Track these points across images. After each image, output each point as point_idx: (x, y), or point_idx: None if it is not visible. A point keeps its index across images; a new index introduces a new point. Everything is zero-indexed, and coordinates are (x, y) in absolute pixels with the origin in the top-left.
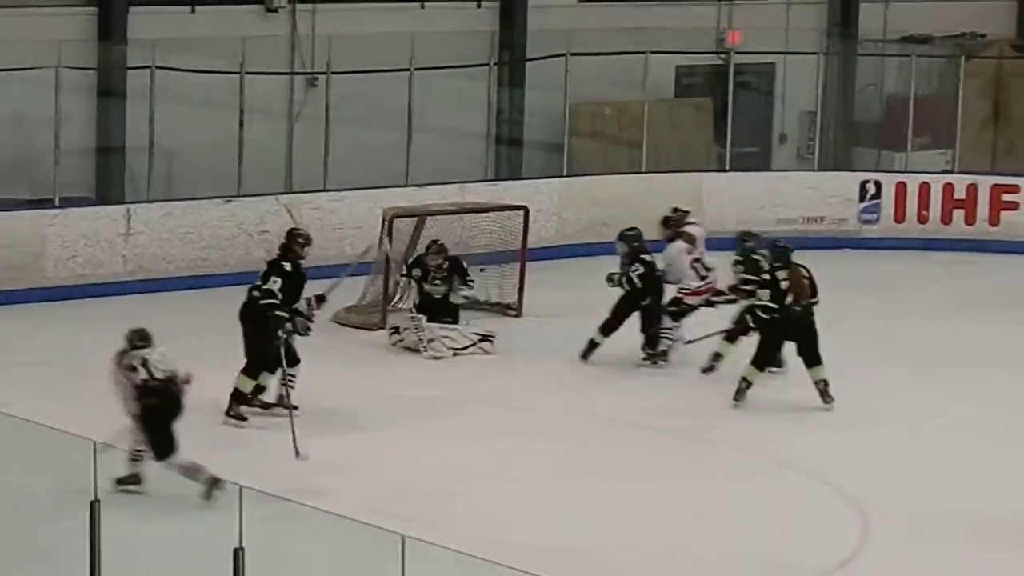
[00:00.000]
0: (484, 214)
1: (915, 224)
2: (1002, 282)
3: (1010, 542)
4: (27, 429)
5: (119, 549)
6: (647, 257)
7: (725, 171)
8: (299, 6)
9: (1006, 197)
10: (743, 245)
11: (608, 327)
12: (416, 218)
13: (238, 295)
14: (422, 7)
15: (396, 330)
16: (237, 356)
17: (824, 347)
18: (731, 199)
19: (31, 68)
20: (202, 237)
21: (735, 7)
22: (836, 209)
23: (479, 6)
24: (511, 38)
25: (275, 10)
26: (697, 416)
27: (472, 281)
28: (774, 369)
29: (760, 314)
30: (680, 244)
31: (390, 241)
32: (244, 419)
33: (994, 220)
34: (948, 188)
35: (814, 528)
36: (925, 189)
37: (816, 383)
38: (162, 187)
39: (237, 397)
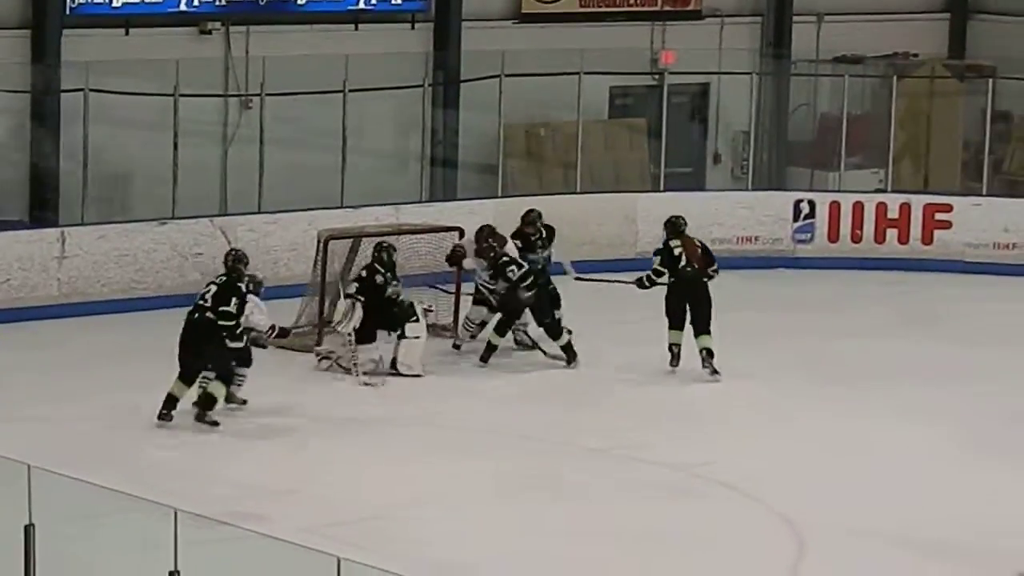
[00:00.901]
0: (419, 235)
1: (849, 243)
2: (935, 300)
3: (949, 560)
4: None
5: (53, 573)
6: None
7: (660, 191)
8: (233, 28)
9: (939, 216)
10: None
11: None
12: (351, 239)
13: (173, 317)
14: (356, 28)
15: (327, 356)
16: (168, 379)
17: (759, 365)
18: (664, 219)
19: None
20: (137, 260)
21: (668, 27)
22: (770, 229)
23: (413, 27)
24: (445, 59)
25: (209, 32)
26: (631, 434)
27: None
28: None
29: (653, 278)
30: None
31: (325, 264)
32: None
33: (927, 239)
34: (881, 207)
35: (749, 548)
36: (859, 208)
37: (700, 351)
38: (96, 210)
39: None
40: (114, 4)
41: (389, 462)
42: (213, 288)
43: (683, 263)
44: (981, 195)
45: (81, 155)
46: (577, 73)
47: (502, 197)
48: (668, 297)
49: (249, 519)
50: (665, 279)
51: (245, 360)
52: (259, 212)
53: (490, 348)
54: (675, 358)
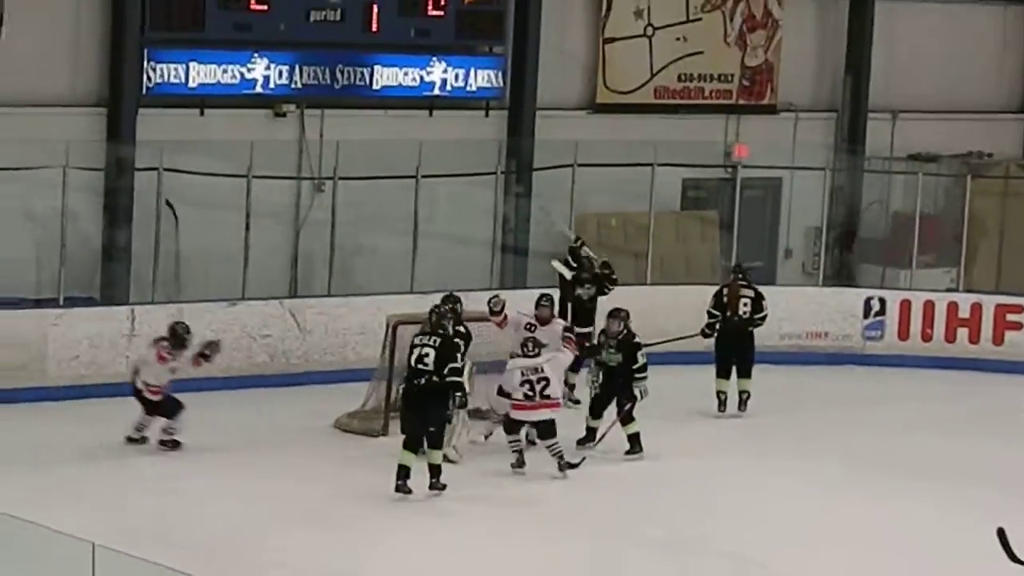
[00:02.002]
0: (488, 322)
1: (919, 342)
2: (1005, 402)
3: None
4: (27, 529)
5: None
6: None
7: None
8: (307, 111)
9: (1010, 317)
10: None
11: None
12: (420, 325)
13: (239, 398)
14: (430, 115)
15: None
16: (233, 459)
17: (827, 464)
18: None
19: (40, 167)
20: (205, 340)
21: (743, 120)
22: (840, 325)
23: (487, 115)
24: (518, 147)
25: (283, 114)
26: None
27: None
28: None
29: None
30: None
31: (394, 349)
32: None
33: (998, 340)
34: (952, 307)
35: None
36: (930, 307)
37: (740, 392)
38: (167, 289)
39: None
40: (190, 84)
41: (445, 548)
42: (429, 351)
43: (728, 312)
44: None
45: (153, 234)
46: (650, 164)
47: None
48: (715, 344)
49: None
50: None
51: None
52: (329, 295)
53: (635, 439)
54: (721, 404)
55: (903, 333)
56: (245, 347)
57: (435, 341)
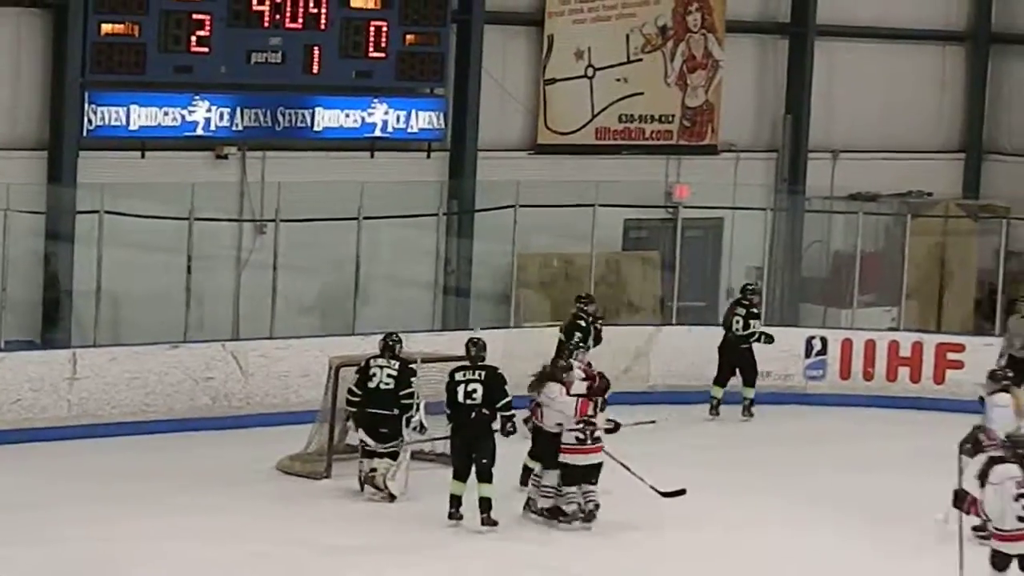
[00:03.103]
0: (430, 364)
1: (861, 381)
2: (946, 441)
3: None
4: None
5: None
6: None
7: (673, 324)
8: (249, 153)
9: (951, 356)
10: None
11: None
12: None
13: (183, 442)
14: (372, 156)
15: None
16: (176, 502)
17: (768, 503)
18: (678, 352)
19: None
20: (147, 383)
21: (683, 161)
22: (782, 364)
23: (429, 156)
24: (460, 188)
25: (225, 156)
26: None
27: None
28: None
29: None
30: None
31: (336, 391)
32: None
33: (939, 378)
34: (894, 346)
35: None
36: (871, 346)
37: (743, 399)
38: (108, 332)
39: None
40: (131, 127)
41: None
42: (476, 386)
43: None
44: (994, 335)
45: (94, 277)
46: (592, 205)
47: (514, 327)
48: (718, 354)
49: None
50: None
51: None
52: (271, 337)
53: None
54: (713, 408)
55: (844, 372)
56: (187, 390)
57: (480, 375)
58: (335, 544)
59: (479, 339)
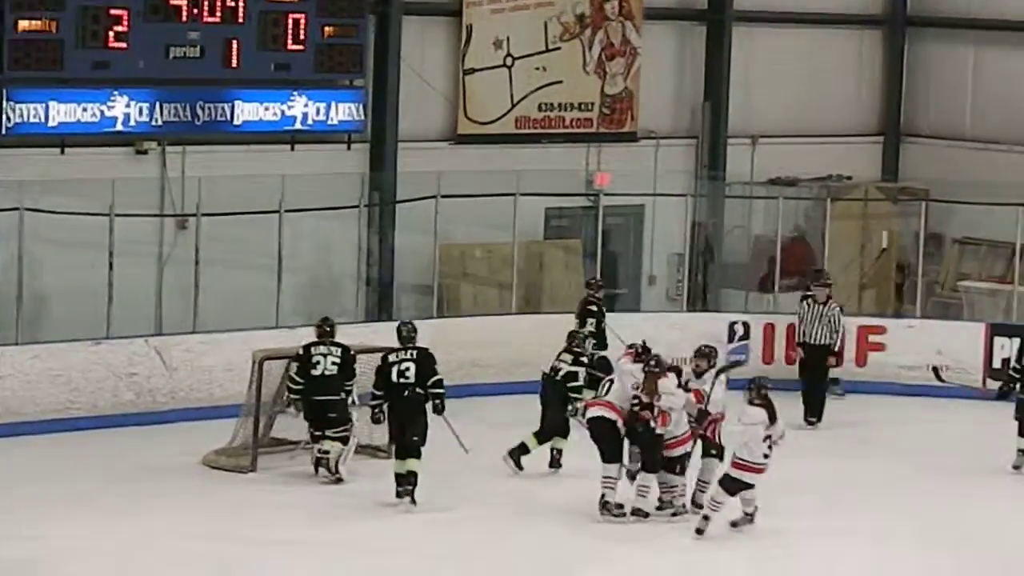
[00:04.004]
0: (369, 355)
1: (783, 365)
2: (868, 423)
3: None
4: None
5: None
6: None
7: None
8: (169, 148)
9: (873, 338)
10: None
11: None
12: (286, 360)
13: (107, 438)
14: (292, 149)
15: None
16: (103, 500)
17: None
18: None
19: None
20: (71, 380)
21: (604, 149)
22: None
23: (349, 148)
24: (381, 180)
25: (145, 152)
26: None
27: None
28: None
29: None
30: None
31: (261, 384)
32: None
33: (861, 360)
34: None
35: None
36: (793, 330)
37: None
38: (30, 329)
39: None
40: (50, 124)
41: None
42: (409, 365)
43: None
44: (915, 317)
45: (15, 274)
46: (513, 194)
47: (438, 317)
48: None
49: None
50: None
51: None
52: (194, 332)
53: None
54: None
55: (767, 356)
56: (111, 386)
57: (412, 355)
58: (265, 537)
59: (410, 322)
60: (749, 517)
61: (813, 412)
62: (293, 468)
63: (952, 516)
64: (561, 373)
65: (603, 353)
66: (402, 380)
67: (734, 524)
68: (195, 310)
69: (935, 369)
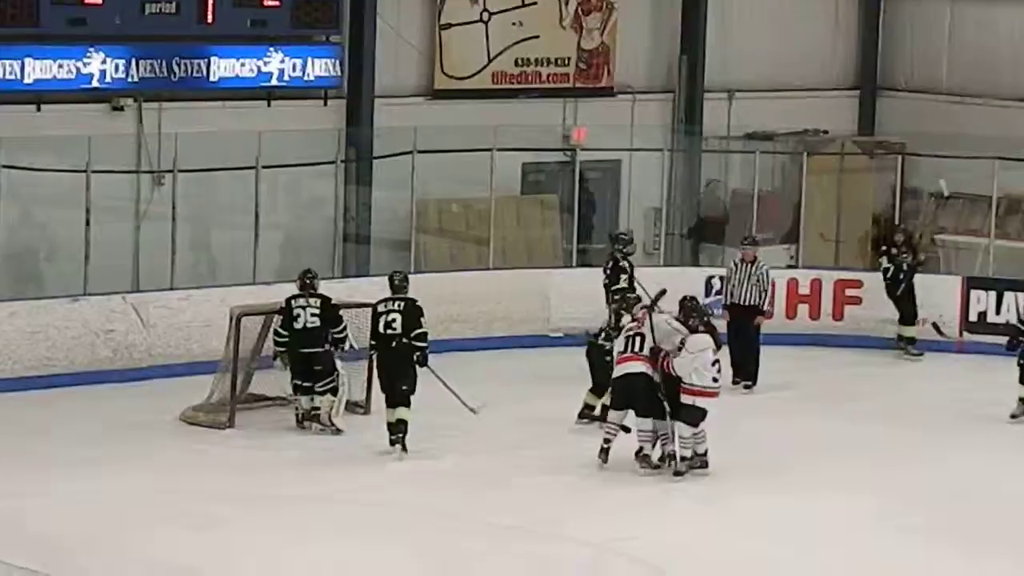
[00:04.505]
0: (356, 309)
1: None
2: (845, 376)
3: None
4: None
5: None
6: None
7: (572, 267)
8: (145, 104)
9: (849, 292)
10: None
11: None
12: (264, 316)
13: (85, 395)
14: (268, 105)
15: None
16: (82, 456)
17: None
18: (578, 295)
19: None
20: (48, 337)
21: (580, 104)
22: None
23: (325, 103)
24: (358, 136)
25: (121, 108)
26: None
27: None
28: None
29: None
30: None
31: (238, 340)
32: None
33: (838, 314)
34: (792, 283)
35: None
36: (773, 285)
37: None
38: (7, 286)
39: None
40: (26, 80)
41: (299, 543)
42: (395, 316)
43: None
44: None
45: None
46: (490, 149)
47: (415, 273)
48: None
49: None
50: None
51: None
52: (172, 288)
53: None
54: None
55: None
56: (88, 343)
57: (399, 306)
58: (246, 493)
59: (401, 271)
60: (701, 458)
61: (747, 375)
62: (271, 424)
63: (936, 468)
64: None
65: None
66: (389, 331)
67: (678, 473)
68: (172, 267)
69: (935, 325)
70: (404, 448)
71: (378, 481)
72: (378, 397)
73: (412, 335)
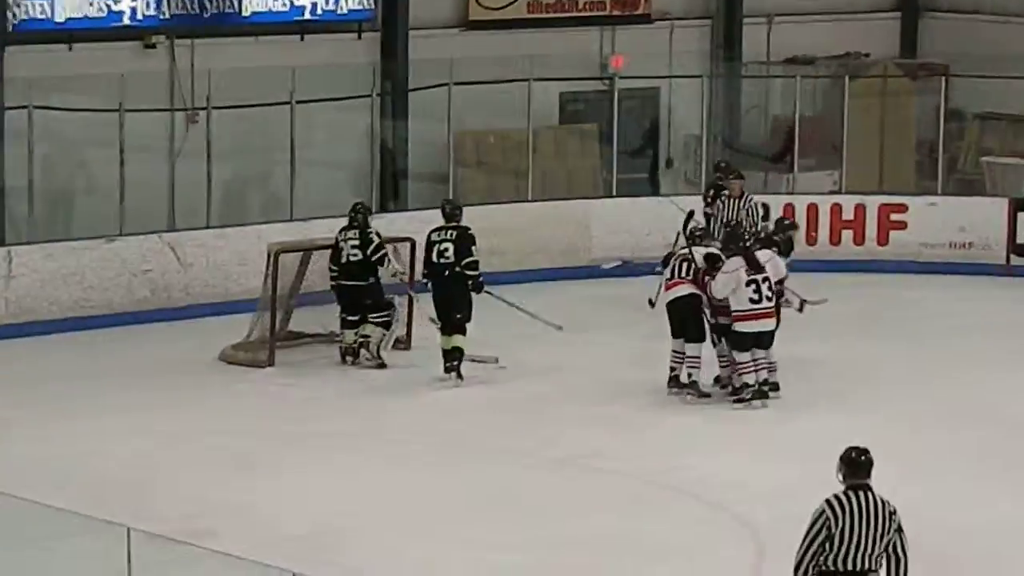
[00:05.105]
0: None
1: (804, 246)
2: (891, 302)
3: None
4: None
5: None
6: None
7: (612, 197)
8: (177, 41)
9: (894, 216)
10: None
11: None
12: (301, 253)
13: (123, 336)
14: (302, 39)
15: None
16: (122, 398)
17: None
18: (619, 225)
19: None
20: (85, 278)
21: (618, 32)
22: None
23: (359, 37)
24: (392, 69)
25: (153, 46)
26: (591, 445)
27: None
28: None
29: None
30: None
31: (276, 278)
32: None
33: (883, 240)
34: (836, 209)
35: (710, 557)
36: (813, 210)
37: None
38: (43, 228)
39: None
40: (57, 19)
41: (347, 478)
42: (448, 245)
43: None
44: (936, 194)
45: (26, 173)
46: (526, 80)
47: None
48: None
49: (202, 536)
50: None
51: None
52: (207, 227)
53: None
54: None
55: None
56: (125, 283)
57: (451, 235)
58: (288, 431)
59: (453, 200)
60: (763, 387)
61: None
62: (312, 361)
63: (978, 395)
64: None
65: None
66: (442, 260)
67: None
68: (208, 205)
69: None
70: (459, 376)
71: (425, 415)
72: (419, 331)
73: (463, 263)
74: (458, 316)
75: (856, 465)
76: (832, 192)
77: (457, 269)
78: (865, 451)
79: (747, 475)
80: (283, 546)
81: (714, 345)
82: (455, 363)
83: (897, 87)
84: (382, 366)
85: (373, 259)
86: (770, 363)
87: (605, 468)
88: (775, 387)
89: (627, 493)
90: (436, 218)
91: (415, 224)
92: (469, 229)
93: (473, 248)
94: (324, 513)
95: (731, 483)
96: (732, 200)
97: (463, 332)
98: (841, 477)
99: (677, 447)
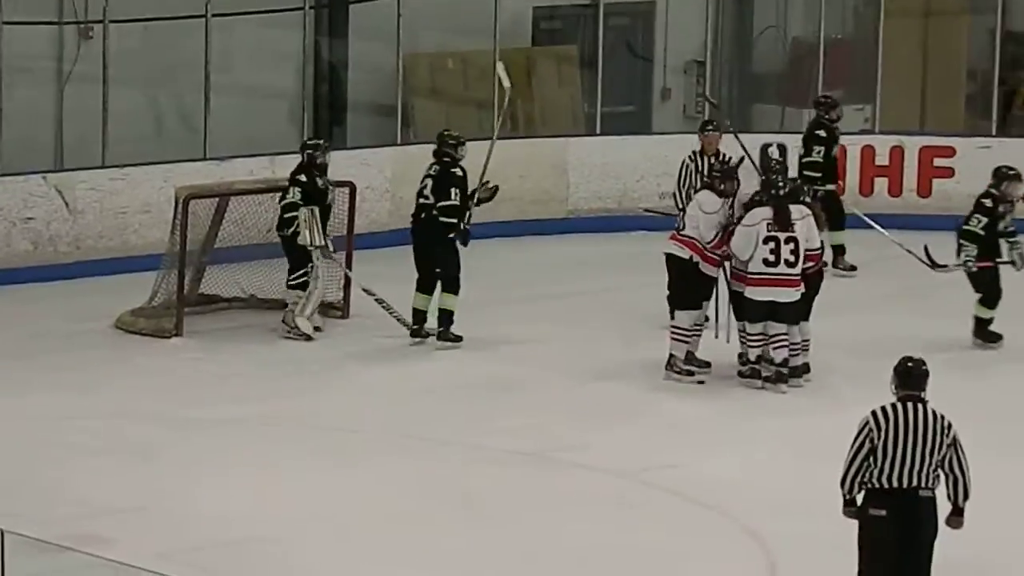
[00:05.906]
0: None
1: None
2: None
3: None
4: None
5: None
6: None
7: (595, 135)
8: None
9: (939, 162)
10: None
11: None
12: (217, 199)
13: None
14: None
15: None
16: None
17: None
18: (603, 168)
19: None
20: None
21: None
22: None
23: None
24: None
25: None
26: (562, 434)
27: None
28: None
29: None
30: None
31: (186, 228)
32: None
33: (924, 190)
34: (868, 151)
35: (714, 568)
36: (841, 153)
37: None
38: None
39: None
40: None
41: (259, 473)
42: (428, 181)
43: None
44: (990, 135)
45: None
46: None
47: (402, 144)
48: None
49: (94, 543)
50: None
51: None
52: (104, 166)
53: None
54: None
55: None
56: (3, 234)
57: (434, 170)
58: (195, 415)
59: (449, 131)
60: (778, 369)
61: None
62: (226, 331)
63: None
64: None
65: (831, 187)
66: (421, 199)
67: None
68: (104, 139)
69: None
70: (449, 339)
71: (365, 399)
72: (359, 299)
73: (439, 206)
74: (437, 271)
75: (908, 375)
76: (864, 132)
77: (434, 212)
78: (920, 361)
79: (744, 477)
80: (189, 556)
81: (738, 319)
82: (442, 329)
83: (944, 5)
84: (308, 339)
85: (285, 217)
86: (793, 343)
87: (587, 465)
88: (797, 372)
89: (610, 494)
90: (378, 159)
91: (354, 164)
92: (455, 165)
93: (454, 190)
94: (240, 517)
95: (735, 483)
96: (703, 159)
97: (454, 291)
98: (893, 388)
99: (672, 441)
